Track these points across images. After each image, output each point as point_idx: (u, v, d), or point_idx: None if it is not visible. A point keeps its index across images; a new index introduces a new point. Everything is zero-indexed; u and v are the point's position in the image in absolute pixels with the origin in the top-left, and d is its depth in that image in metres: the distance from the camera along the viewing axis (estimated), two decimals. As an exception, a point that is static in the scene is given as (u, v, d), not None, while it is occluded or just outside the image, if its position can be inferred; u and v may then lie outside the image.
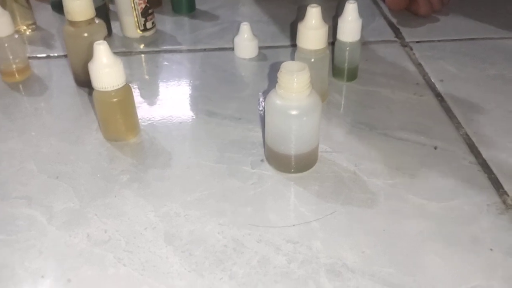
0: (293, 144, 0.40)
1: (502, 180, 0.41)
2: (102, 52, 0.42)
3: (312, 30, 0.46)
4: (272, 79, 0.56)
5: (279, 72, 0.38)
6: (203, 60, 0.60)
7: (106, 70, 0.42)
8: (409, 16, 0.69)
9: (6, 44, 0.55)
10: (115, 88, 0.43)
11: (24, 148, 0.46)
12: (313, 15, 0.46)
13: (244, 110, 0.51)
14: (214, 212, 0.38)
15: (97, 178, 0.42)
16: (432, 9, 0.68)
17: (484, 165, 0.42)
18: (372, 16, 0.70)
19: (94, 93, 0.44)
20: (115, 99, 0.44)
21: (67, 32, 0.52)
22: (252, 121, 0.49)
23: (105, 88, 0.43)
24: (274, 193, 0.40)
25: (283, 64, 0.38)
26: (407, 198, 0.39)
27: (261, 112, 0.50)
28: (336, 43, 0.53)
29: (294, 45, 0.62)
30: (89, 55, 0.52)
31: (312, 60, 0.48)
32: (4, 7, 0.65)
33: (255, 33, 0.60)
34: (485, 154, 0.44)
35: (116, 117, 0.45)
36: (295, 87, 0.38)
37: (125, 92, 0.44)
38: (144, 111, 0.51)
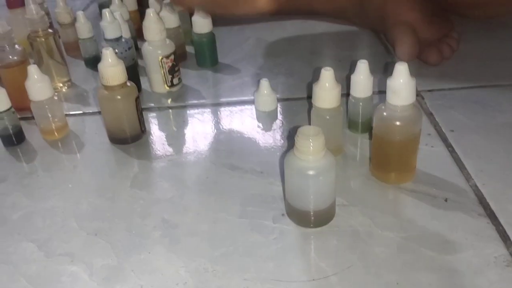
0: (311, 201, 0.44)
1: (509, 232, 0.43)
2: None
3: (326, 91, 0.50)
4: (289, 132, 0.59)
5: (296, 136, 0.42)
6: (225, 114, 0.64)
7: None
8: (419, 64, 0.72)
9: (46, 106, 0.60)
10: None
11: (65, 205, 0.50)
12: (327, 77, 0.50)
13: (264, 163, 0.54)
14: (239, 267, 0.42)
15: (132, 235, 0.46)
16: (442, 57, 0.71)
17: (492, 217, 0.45)
18: (385, 66, 0.74)
19: None
20: None
21: (102, 95, 0.57)
22: (272, 175, 0.52)
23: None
24: (294, 248, 0.43)
25: (299, 129, 0.42)
26: (419, 250, 0.42)
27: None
28: (349, 98, 0.57)
29: (310, 97, 0.66)
30: (122, 115, 0.57)
31: (327, 117, 0.51)
32: (41, 64, 0.71)
33: (274, 87, 0.64)
34: (493, 205, 0.46)
35: None
36: (311, 150, 0.42)
37: None
38: (171, 167, 0.55)
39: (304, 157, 0.42)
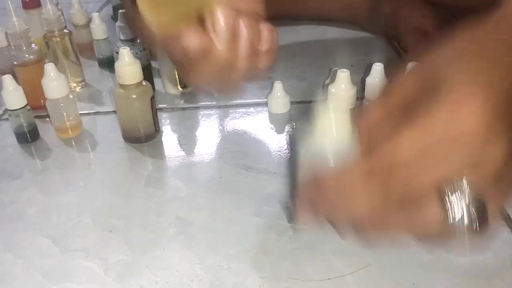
0: (326, 201, 0.44)
1: (525, 235, 0.43)
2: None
3: (342, 93, 0.50)
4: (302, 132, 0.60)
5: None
6: (238, 115, 0.65)
7: None
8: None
9: (61, 104, 0.60)
10: None
11: (80, 202, 0.51)
12: (343, 79, 0.50)
13: (278, 164, 0.54)
14: (255, 265, 0.42)
15: (147, 232, 0.46)
16: None
17: (508, 220, 0.45)
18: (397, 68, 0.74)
19: None
20: None
21: (117, 94, 0.57)
22: (286, 176, 0.53)
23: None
24: (310, 247, 0.43)
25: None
26: (435, 252, 0.42)
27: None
28: (363, 101, 0.57)
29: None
30: (136, 114, 0.58)
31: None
32: (56, 64, 0.72)
33: (287, 90, 0.65)
34: (509, 209, 0.46)
35: None
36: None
37: None
38: (185, 166, 0.55)
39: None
